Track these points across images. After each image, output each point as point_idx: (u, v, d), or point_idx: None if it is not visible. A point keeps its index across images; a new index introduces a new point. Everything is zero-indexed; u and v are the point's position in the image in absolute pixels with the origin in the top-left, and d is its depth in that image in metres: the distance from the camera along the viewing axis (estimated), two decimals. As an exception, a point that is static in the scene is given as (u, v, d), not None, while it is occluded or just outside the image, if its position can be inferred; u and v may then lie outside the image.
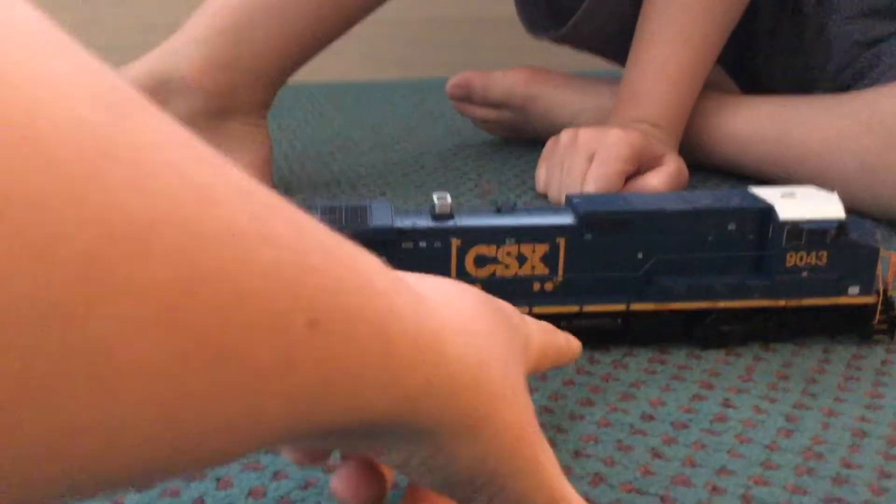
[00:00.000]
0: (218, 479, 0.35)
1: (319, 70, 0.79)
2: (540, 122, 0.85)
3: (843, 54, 0.78)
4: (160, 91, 0.64)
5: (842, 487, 0.36)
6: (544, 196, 0.72)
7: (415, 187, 0.75)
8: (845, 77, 0.78)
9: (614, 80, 0.86)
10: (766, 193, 0.46)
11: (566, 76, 0.85)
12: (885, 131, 0.65)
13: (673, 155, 0.69)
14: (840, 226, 0.45)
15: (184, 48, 0.65)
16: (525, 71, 0.85)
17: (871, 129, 0.66)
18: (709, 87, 0.81)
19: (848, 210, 0.66)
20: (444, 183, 0.76)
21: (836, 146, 0.68)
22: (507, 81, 0.84)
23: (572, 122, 0.82)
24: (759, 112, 0.74)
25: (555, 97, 0.84)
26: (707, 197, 0.46)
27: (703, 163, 0.77)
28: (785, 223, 0.45)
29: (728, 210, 0.45)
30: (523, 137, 0.88)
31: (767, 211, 0.45)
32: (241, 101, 0.67)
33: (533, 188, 0.75)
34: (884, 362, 0.46)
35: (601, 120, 0.80)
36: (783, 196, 0.46)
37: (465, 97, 0.86)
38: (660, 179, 0.67)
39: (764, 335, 0.47)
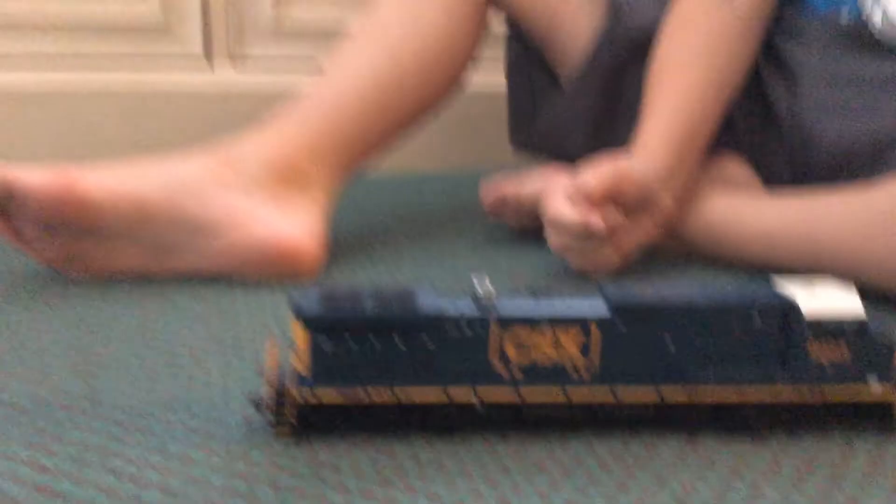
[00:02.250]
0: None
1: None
2: None
3: (826, 153, 0.81)
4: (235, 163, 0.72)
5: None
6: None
7: (449, 276, 0.78)
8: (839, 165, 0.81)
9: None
10: (787, 287, 0.49)
11: None
12: None
13: (664, 199, 0.75)
14: (861, 322, 0.47)
15: (273, 128, 0.75)
16: (551, 172, 0.88)
17: None
18: (733, 184, 0.85)
19: (879, 301, 0.68)
20: (478, 269, 0.79)
21: (867, 239, 0.70)
22: (537, 186, 0.87)
23: None
24: (787, 209, 0.77)
25: None
26: (733, 291, 0.49)
27: (732, 262, 0.79)
28: (809, 318, 0.47)
29: (754, 304, 0.48)
30: None
31: (791, 307, 0.48)
32: (312, 181, 0.73)
33: (560, 276, 0.77)
34: (906, 455, 0.48)
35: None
36: (804, 289, 0.49)
37: (502, 211, 0.90)
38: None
39: (790, 425, 0.49)
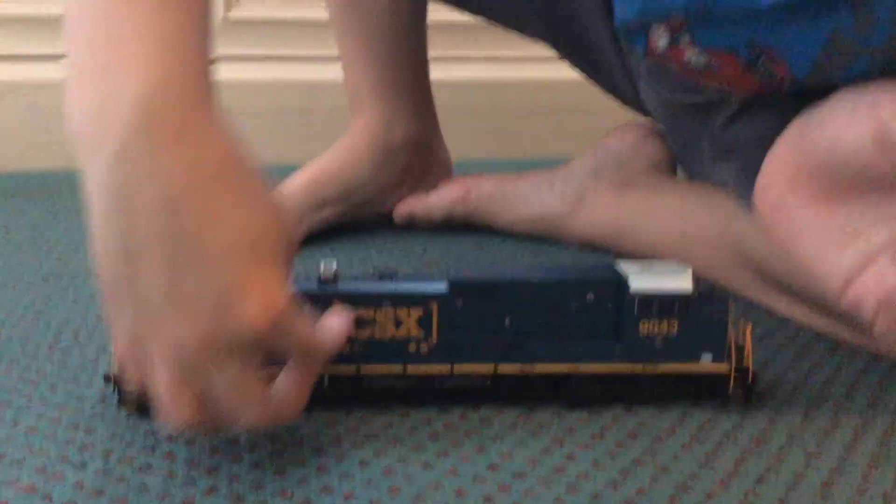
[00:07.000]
0: (84, 509, 0.39)
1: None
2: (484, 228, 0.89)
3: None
4: None
5: (647, 533, 0.39)
6: None
7: (360, 260, 0.80)
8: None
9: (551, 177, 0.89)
10: (625, 266, 0.51)
11: (501, 181, 0.88)
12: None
13: None
14: (687, 297, 0.49)
15: None
16: (459, 187, 0.88)
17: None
18: (645, 172, 0.85)
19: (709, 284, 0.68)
20: (389, 258, 0.81)
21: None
22: (445, 202, 0.88)
23: (512, 229, 0.87)
24: (692, 204, 0.77)
25: (491, 209, 0.88)
26: (570, 269, 0.51)
27: (643, 253, 0.78)
28: (636, 294, 0.49)
29: (587, 281, 0.50)
30: None
31: (622, 283, 0.49)
32: None
33: (473, 264, 0.79)
34: (735, 426, 0.49)
35: (538, 229, 0.85)
36: (640, 269, 0.50)
37: (411, 224, 0.91)
38: None
39: (626, 398, 0.51)
